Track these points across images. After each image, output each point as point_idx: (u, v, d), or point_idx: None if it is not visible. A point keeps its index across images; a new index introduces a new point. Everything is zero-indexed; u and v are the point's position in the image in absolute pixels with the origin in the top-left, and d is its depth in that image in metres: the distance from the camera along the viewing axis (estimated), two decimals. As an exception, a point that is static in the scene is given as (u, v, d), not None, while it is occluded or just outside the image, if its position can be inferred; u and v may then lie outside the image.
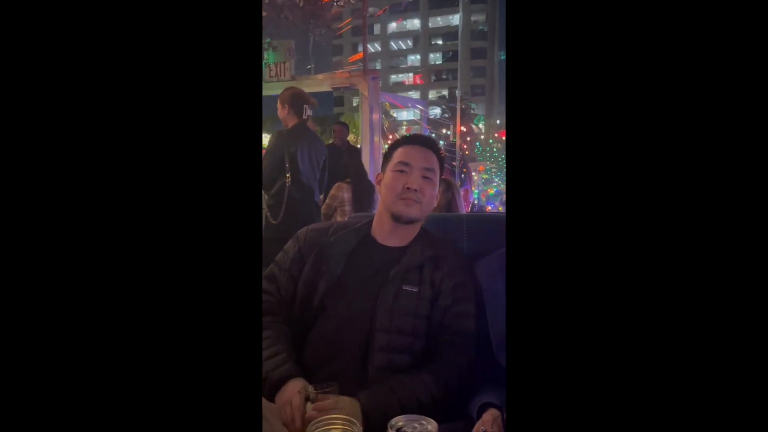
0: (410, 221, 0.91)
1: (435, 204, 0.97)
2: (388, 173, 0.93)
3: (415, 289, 0.87)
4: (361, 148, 3.90)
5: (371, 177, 3.21)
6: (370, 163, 3.67)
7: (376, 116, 3.84)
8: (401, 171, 0.91)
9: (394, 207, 0.90)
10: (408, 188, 0.89)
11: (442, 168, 0.98)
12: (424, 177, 0.91)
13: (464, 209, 1.84)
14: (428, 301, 0.87)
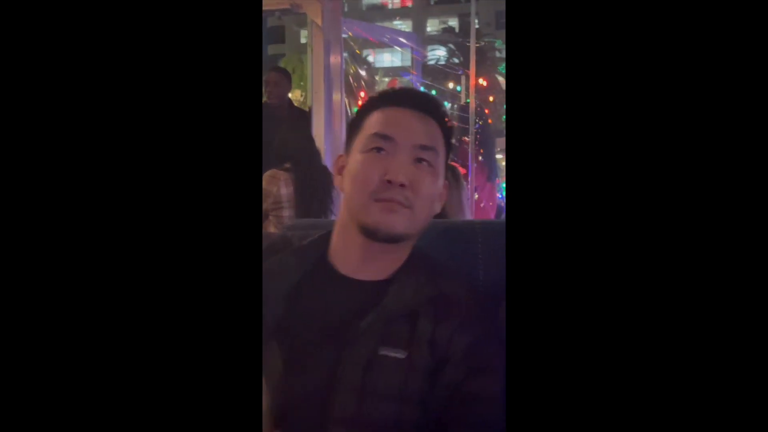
0: (393, 239, 0.88)
1: (438, 209, 0.95)
2: (356, 155, 0.90)
3: (402, 355, 0.84)
4: (310, 111, 3.89)
5: (328, 161, 3.19)
6: (325, 137, 3.66)
7: (335, 59, 3.84)
8: (378, 150, 0.88)
9: (366, 214, 0.87)
10: (390, 181, 0.86)
11: (449, 146, 0.96)
12: (419, 160, 0.88)
13: (470, 212, 1.83)
14: (425, 374, 0.84)
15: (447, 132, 0.94)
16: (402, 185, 0.86)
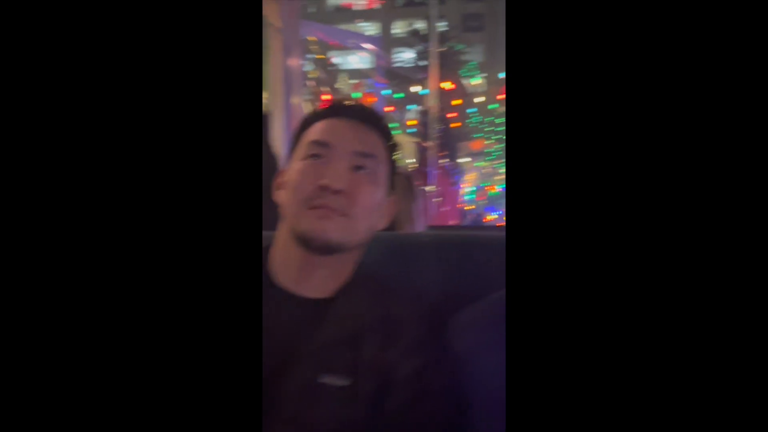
0: (328, 248, 0.85)
1: (382, 224, 0.93)
2: (295, 164, 0.89)
3: (345, 383, 0.81)
4: (269, 116, 3.84)
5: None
6: (284, 142, 3.62)
7: (294, 62, 3.81)
8: (315, 157, 0.86)
9: (299, 221, 0.84)
10: (324, 187, 0.83)
11: (393, 155, 0.94)
12: (358, 168, 0.86)
13: (425, 223, 1.81)
14: (369, 401, 0.82)
15: (390, 145, 0.92)
16: (337, 191, 0.83)
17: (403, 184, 1.73)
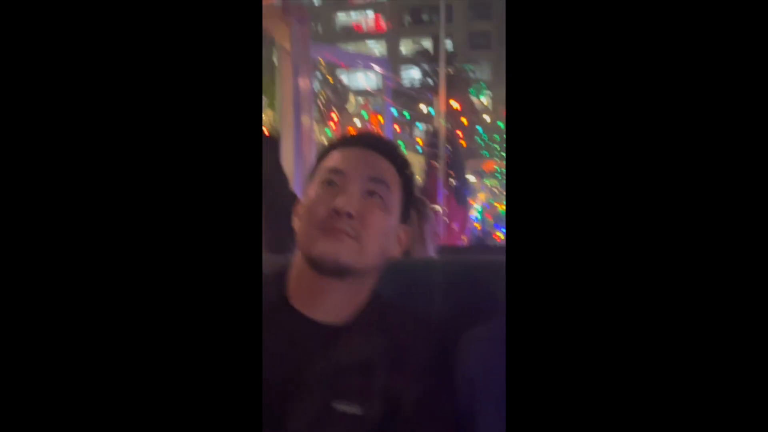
0: (339, 270, 0.86)
1: (396, 252, 0.95)
2: (311, 189, 0.91)
3: (358, 411, 0.82)
4: (279, 137, 3.87)
5: (297, 188, 3.17)
6: (295, 162, 3.64)
7: (304, 82, 3.84)
8: (329, 183, 0.89)
9: (311, 245, 0.86)
10: (336, 211, 0.85)
11: (408, 184, 0.96)
12: (370, 194, 0.89)
13: (435, 246, 1.82)
14: (378, 426, 0.83)
15: (402, 168, 0.95)
16: (349, 215, 0.85)
17: (415, 207, 1.75)
